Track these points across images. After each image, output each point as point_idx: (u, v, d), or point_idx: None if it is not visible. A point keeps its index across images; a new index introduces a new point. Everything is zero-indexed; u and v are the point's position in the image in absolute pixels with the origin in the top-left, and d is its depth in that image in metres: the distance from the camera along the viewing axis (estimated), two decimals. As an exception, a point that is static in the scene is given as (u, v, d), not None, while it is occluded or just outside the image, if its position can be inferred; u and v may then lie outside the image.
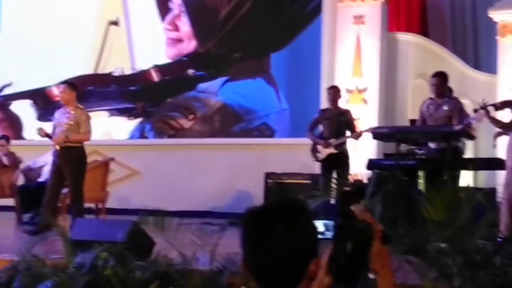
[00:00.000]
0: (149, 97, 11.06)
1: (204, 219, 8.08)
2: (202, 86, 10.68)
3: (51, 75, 11.21)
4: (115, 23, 10.94)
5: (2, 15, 12.06)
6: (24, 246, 5.27)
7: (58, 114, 7.79)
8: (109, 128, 11.34)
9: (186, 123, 10.78)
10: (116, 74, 11.00)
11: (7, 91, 11.78)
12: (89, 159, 10.21)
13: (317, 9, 10.21)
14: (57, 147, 7.70)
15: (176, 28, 10.76)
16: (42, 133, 7.79)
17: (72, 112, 7.72)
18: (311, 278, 1.69)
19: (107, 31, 11.08)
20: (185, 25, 10.74)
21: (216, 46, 10.68)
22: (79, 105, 7.85)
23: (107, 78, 11.02)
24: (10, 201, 9.86)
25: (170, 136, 10.92)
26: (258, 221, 1.78)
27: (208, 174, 10.62)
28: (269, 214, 1.78)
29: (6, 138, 10.19)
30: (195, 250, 4.88)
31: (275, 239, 1.73)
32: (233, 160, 10.58)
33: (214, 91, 10.60)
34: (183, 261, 4.81)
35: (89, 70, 11.37)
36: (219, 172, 10.61)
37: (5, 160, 10.05)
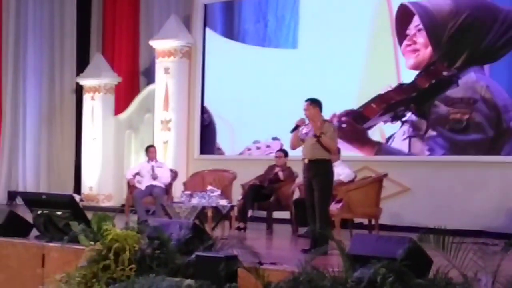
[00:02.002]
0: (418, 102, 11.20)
1: (477, 238, 7.84)
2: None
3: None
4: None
5: (300, 31, 12.54)
6: (304, 259, 5.43)
7: (305, 129, 7.93)
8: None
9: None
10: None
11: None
12: (360, 174, 10.40)
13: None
14: (306, 161, 7.84)
15: (414, 43, 11.26)
16: (301, 121, 7.95)
17: (320, 126, 7.85)
18: None
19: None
20: (421, 37, 11.21)
21: (443, 57, 11.00)
22: (325, 119, 7.97)
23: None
24: (286, 214, 10.26)
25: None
26: None
27: (482, 192, 10.29)
28: None
29: (284, 152, 10.59)
30: (476, 271, 4.75)
31: None
32: (508, 178, 10.17)
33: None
34: (463, 281, 4.70)
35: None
36: (493, 191, 10.24)
37: (281, 175, 10.46)
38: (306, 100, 7.97)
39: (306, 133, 7.85)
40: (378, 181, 9.48)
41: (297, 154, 8.17)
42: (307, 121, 7.88)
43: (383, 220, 9.65)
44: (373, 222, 9.40)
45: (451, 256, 4.83)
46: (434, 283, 4.74)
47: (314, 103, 7.91)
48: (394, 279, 4.68)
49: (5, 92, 16.25)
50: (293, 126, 7.94)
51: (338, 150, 9.31)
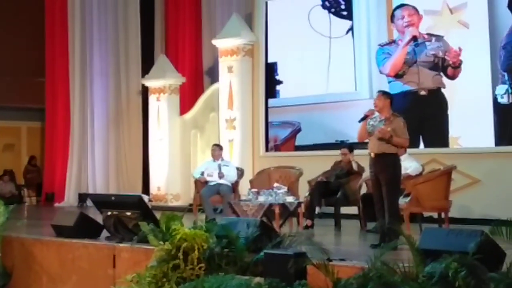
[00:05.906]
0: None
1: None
2: None
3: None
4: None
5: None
6: (373, 254, 5.37)
7: (373, 122, 7.85)
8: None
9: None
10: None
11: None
12: (427, 167, 10.24)
13: None
14: (372, 155, 7.77)
15: None
16: (370, 112, 7.88)
17: (388, 119, 7.77)
18: None
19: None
20: None
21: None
22: (394, 113, 7.88)
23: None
24: (354, 210, 10.18)
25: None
26: None
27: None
28: None
29: (349, 148, 10.52)
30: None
31: None
32: None
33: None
34: (539, 274, 4.59)
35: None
36: None
37: (355, 166, 10.34)
38: (378, 92, 8.10)
39: (373, 126, 7.79)
40: (447, 174, 9.32)
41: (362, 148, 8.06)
42: (376, 113, 7.85)
43: (453, 213, 9.48)
44: (442, 215, 9.26)
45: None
46: (508, 276, 4.64)
47: (386, 95, 7.97)
48: (466, 274, 4.59)
49: (73, 95, 16.58)
50: (362, 116, 7.93)
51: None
